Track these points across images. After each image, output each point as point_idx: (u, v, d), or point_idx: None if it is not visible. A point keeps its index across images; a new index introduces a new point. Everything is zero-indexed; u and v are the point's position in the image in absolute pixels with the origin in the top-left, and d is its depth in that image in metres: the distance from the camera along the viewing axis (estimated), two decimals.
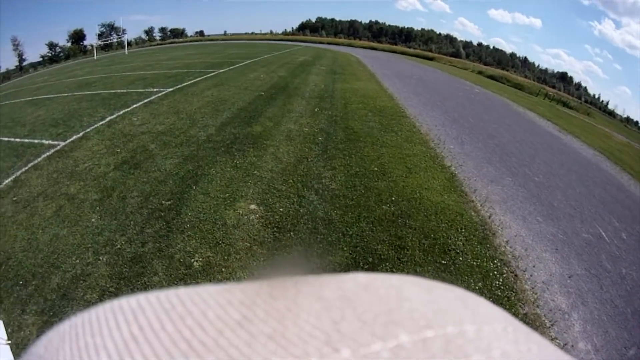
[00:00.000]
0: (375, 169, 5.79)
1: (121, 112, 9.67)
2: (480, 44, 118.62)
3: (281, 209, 4.57)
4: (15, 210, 5.22)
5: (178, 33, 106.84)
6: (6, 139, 9.57)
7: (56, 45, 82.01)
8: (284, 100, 10.09)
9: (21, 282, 3.71)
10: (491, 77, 35.85)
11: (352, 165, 5.83)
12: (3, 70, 72.48)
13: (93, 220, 4.55)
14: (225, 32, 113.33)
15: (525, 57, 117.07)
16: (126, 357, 0.20)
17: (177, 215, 4.49)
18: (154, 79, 15.78)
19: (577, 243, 4.86)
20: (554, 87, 74.28)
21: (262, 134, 7.14)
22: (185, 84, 13.46)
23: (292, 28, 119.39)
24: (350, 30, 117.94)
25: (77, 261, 3.85)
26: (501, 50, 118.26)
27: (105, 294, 3.40)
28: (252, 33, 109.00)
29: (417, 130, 8.13)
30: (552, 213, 5.52)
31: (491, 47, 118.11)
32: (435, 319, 0.22)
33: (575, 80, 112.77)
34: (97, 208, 4.81)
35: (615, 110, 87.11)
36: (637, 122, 75.22)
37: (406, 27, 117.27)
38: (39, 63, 77.53)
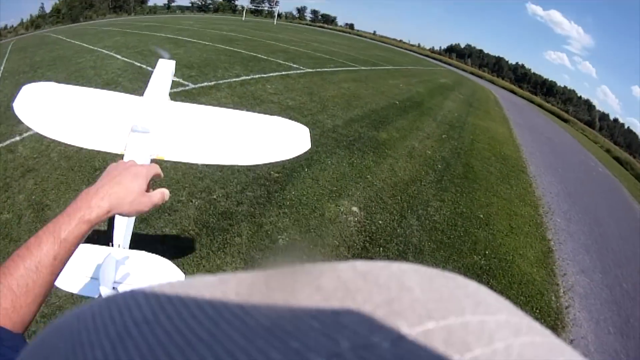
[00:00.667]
0: (481, 216, 5.62)
1: (257, 76, 10.18)
2: (616, 120, 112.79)
3: (380, 221, 4.52)
4: None
5: (329, 19, 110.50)
6: (138, 64, 10.45)
7: None
8: (415, 116, 10.08)
9: None
10: (617, 158, 34.15)
11: (460, 204, 5.71)
12: (151, 4, 79.03)
13: (199, 165, 4.77)
14: (374, 31, 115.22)
15: None
16: (121, 353, 0.20)
17: (281, 190, 4.59)
18: (296, 55, 16.49)
19: None
20: None
21: (386, 142, 7.13)
22: (326, 69, 13.93)
23: (440, 47, 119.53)
24: (495, 66, 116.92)
25: (172, 195, 4.00)
26: (634, 134, 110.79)
27: (184, 233, 3.57)
28: (400, 40, 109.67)
29: (532, 191, 7.87)
30: (624, 329, 5.00)
31: (626, 126, 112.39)
32: (436, 309, 0.21)
33: None
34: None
35: None
36: None
37: (550, 79, 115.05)
38: (186, 7, 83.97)
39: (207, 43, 16.66)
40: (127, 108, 2.04)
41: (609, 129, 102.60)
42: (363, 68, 17.45)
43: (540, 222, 6.47)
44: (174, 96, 6.69)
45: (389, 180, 5.62)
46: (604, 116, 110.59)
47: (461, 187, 6.32)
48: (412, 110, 10.75)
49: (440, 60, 67.84)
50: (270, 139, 2.16)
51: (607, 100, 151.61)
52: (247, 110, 6.05)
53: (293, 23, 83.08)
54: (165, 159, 1.79)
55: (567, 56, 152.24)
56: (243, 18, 63.62)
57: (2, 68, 13.28)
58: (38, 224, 3.61)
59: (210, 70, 10.23)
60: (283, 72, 11.40)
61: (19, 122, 5.45)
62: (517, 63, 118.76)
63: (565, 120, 45.95)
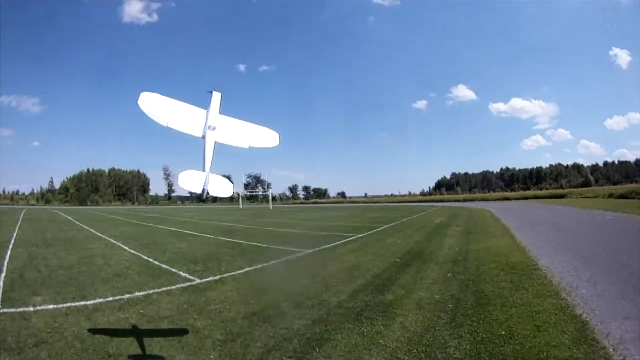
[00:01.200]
0: (503, 332, 5.50)
1: (259, 266, 10.70)
2: (606, 163, 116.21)
3: None
4: (139, 321, 6.10)
5: (321, 193, 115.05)
6: (145, 257, 10.99)
7: None
8: (418, 267, 10.26)
9: None
10: (621, 196, 34.44)
11: (479, 332, 5.61)
12: (152, 194, 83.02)
13: (212, 356, 4.93)
14: (365, 194, 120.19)
15: None
16: None
17: None
18: (294, 239, 17.69)
19: None
20: None
21: (393, 303, 7.20)
22: (324, 247, 14.53)
23: (429, 187, 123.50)
24: (484, 182, 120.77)
25: None
26: (627, 162, 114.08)
27: None
28: (391, 195, 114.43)
29: (549, 282, 7.83)
30: None
31: (616, 162, 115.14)
32: None
33: None
34: (219, 347, 5.20)
35: None
36: None
37: (535, 167, 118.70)
38: (186, 198, 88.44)
39: (209, 236, 17.83)
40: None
41: (604, 175, 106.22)
42: (360, 235, 18.04)
43: (565, 305, 6.41)
44: (182, 291, 7.11)
45: (402, 338, 5.58)
46: (595, 168, 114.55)
47: (477, 316, 6.26)
48: (414, 262, 10.93)
49: (432, 201, 69.70)
50: None
51: (589, 151, 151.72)
52: (253, 302, 6.44)
53: (288, 204, 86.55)
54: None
55: (541, 135, 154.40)
56: (240, 206, 66.54)
57: (15, 234, 13.90)
58: None
59: (214, 264, 10.75)
60: (283, 258, 11.97)
61: (33, 293, 5.88)
62: (501, 168, 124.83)
63: (562, 196, 46.30)
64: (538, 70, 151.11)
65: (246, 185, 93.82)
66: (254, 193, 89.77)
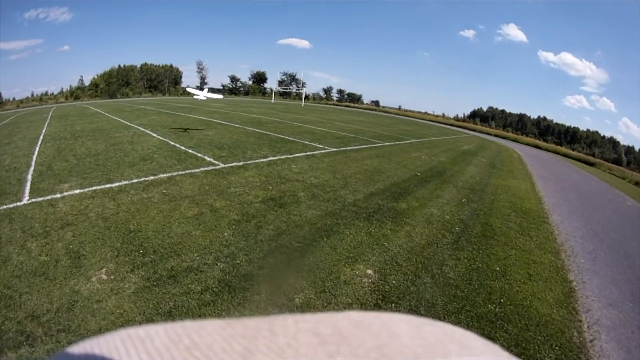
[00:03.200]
0: (497, 268, 5.69)
1: (283, 157, 10.94)
2: None
3: (394, 282, 4.73)
4: (161, 200, 6.44)
5: (355, 98, 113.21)
6: (172, 143, 11.30)
7: (238, 79, 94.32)
8: (436, 185, 10.33)
9: (141, 251, 4.62)
10: None
11: (476, 260, 5.80)
12: (184, 85, 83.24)
13: (226, 234, 5.31)
14: (399, 106, 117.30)
15: None
16: None
17: (301, 257, 4.95)
18: (322, 136, 17.49)
19: None
20: None
21: (405, 212, 7.40)
22: (350, 148, 14.66)
23: (464, 114, 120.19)
24: (519, 124, 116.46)
25: (198, 258, 4.58)
26: None
27: (207, 291, 3.96)
28: (425, 112, 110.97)
29: (554, 239, 7.83)
30: None
31: None
32: (423, 353, 0.25)
33: None
34: (234, 227, 5.58)
35: None
36: None
37: (572, 126, 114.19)
38: (218, 90, 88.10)
39: (237, 125, 17.90)
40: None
41: (637, 161, 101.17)
42: (387, 144, 18.06)
43: (561, 266, 6.48)
44: (205, 174, 7.38)
45: (405, 246, 5.83)
46: (629, 150, 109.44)
47: (478, 245, 6.45)
48: (434, 179, 11.01)
49: (464, 128, 67.84)
50: None
51: (630, 132, 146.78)
52: (272, 189, 6.72)
53: (320, 104, 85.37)
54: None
55: (585, 97, 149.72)
56: (272, 101, 66.17)
57: (44, 131, 14.33)
58: (73, 269, 4.11)
59: (239, 151, 11.04)
60: (309, 153, 12.13)
61: (60, 181, 6.12)
62: (539, 116, 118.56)
63: (592, 164, 45.11)
64: (597, 31, 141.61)
65: (280, 83, 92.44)
66: (288, 90, 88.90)
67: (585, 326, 4.82)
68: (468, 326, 4.21)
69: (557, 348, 4.20)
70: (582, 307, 5.28)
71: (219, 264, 4.47)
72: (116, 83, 66.45)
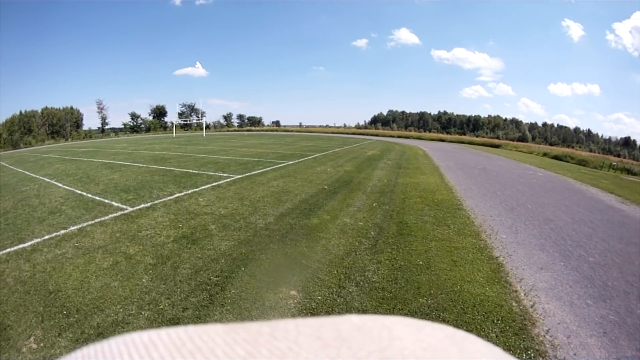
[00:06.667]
0: (420, 262, 5.88)
1: (190, 191, 10.79)
2: (545, 124, 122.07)
3: (319, 297, 4.82)
4: (75, 254, 6.12)
5: (255, 121, 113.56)
6: (79, 191, 10.82)
7: (138, 116, 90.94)
8: (345, 194, 10.60)
9: (64, 312, 4.39)
10: (556, 157, 36.20)
11: (397, 259, 5.97)
12: (86, 128, 79.73)
13: (144, 280, 5.16)
14: (300, 123, 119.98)
15: (589, 130, 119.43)
16: None
17: (222, 291, 4.90)
18: (225, 164, 17.41)
19: (631, 322, 4.52)
20: (618, 155, 70.60)
21: (318, 226, 7.55)
22: (254, 172, 14.71)
23: (365, 121, 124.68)
24: (420, 122, 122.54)
25: (121, 310, 4.43)
26: (565, 127, 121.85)
27: None
28: (326, 126, 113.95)
29: (471, 222, 8.21)
30: (604, 293, 5.13)
31: (555, 125, 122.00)
32: (424, 356, 0.25)
33: (639, 142, 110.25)
34: (150, 271, 5.44)
35: None
36: None
37: (473, 115, 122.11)
38: (120, 129, 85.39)
39: (141, 165, 17.35)
40: None
41: (541, 135, 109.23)
42: (291, 162, 18.30)
43: (483, 246, 6.80)
44: (115, 221, 7.18)
45: (324, 260, 5.95)
46: (533, 126, 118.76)
47: (397, 245, 6.64)
48: (342, 190, 11.30)
49: (367, 134, 69.81)
50: None
51: (530, 110, 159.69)
52: (182, 226, 6.67)
53: (222, 131, 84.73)
54: None
55: (482, 86, 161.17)
56: (174, 134, 64.80)
57: None
58: (2, 342, 3.84)
59: (146, 192, 10.74)
60: (214, 183, 12.05)
61: None
62: (439, 112, 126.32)
63: (498, 146, 48.03)
64: (486, 24, 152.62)
65: (180, 115, 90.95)
66: (188, 122, 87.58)
67: (522, 294, 5.08)
68: None
69: (499, 321, 4.37)
70: (514, 278, 5.56)
71: (143, 312, 4.36)
72: (18, 131, 62.36)
